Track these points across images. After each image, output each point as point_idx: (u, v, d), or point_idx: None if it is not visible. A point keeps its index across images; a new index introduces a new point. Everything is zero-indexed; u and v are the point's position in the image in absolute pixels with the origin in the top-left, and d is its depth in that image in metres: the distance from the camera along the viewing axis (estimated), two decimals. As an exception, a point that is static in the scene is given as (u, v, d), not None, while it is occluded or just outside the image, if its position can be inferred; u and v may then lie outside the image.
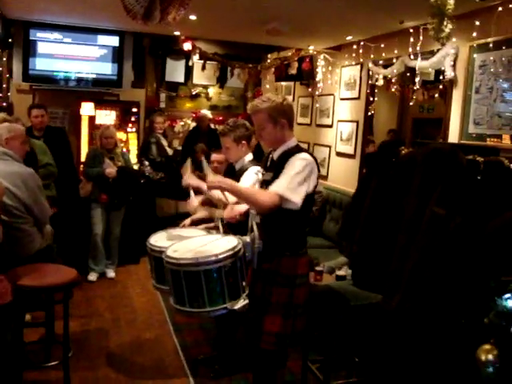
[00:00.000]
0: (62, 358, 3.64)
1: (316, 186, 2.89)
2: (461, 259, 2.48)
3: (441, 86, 5.08)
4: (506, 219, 2.45)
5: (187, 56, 7.37)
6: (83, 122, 7.26)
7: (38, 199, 3.72)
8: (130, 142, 7.47)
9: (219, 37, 7.34)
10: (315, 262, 4.42)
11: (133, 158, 7.01)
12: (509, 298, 2.15)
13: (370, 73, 5.87)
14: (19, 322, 3.49)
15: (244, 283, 2.70)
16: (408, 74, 5.30)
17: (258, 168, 3.23)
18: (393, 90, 5.77)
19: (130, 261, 6.33)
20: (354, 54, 6.08)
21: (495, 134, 4.20)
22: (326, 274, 4.06)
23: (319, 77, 6.91)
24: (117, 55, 7.41)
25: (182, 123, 8.38)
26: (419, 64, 4.92)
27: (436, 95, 5.63)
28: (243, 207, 3.18)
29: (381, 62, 5.66)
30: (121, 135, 7.02)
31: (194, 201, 3.82)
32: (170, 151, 7.35)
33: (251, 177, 3.37)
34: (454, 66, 4.62)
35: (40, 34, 7.03)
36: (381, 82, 5.70)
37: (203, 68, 7.23)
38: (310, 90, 7.39)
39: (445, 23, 3.32)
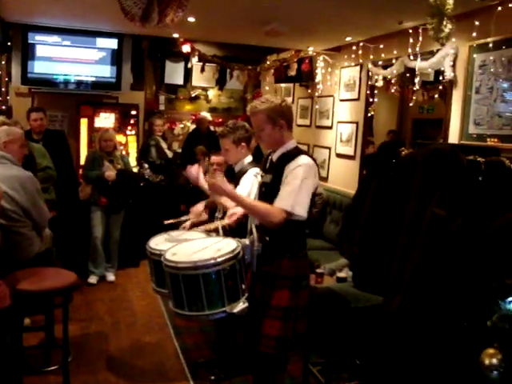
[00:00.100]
0: (61, 362, 3.63)
1: (316, 188, 2.88)
2: (462, 260, 2.46)
3: (440, 87, 5.06)
4: (507, 220, 2.43)
5: (186, 58, 7.35)
6: (82, 125, 7.26)
7: (36, 203, 3.71)
8: (129, 144, 7.46)
9: (218, 39, 7.32)
10: (316, 264, 4.40)
11: (132, 160, 7.01)
12: (513, 301, 2.13)
13: (370, 74, 5.86)
14: (18, 326, 3.47)
15: (243, 286, 2.68)
16: (408, 75, 5.28)
17: (257, 170, 3.21)
18: (392, 90, 5.76)
19: (129, 264, 6.32)
20: (353, 55, 6.06)
21: (496, 134, 4.18)
22: (327, 276, 4.05)
23: (319, 78, 6.89)
24: (116, 58, 7.40)
25: (182, 125, 8.38)
26: (419, 64, 4.90)
27: (436, 96, 5.62)
28: (241, 209, 3.16)
29: (380, 62, 5.64)
30: (120, 138, 7.01)
31: (199, 206, 3.83)
32: (169, 154, 7.34)
33: (250, 179, 3.34)
34: (453, 66, 4.60)
35: (39, 37, 7.03)
36: (380, 83, 5.69)
37: (202, 70, 7.21)
38: (309, 91, 7.38)
39: (444, 23, 3.31)
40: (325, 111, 7.03)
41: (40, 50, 7.06)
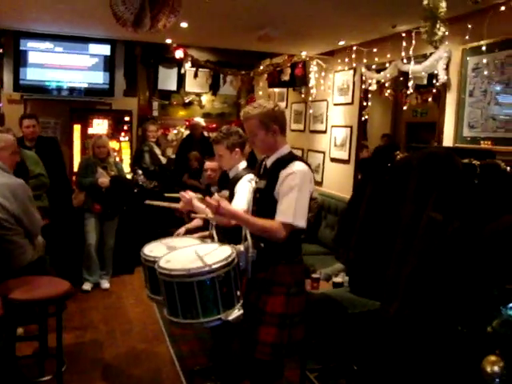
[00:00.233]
0: (55, 372, 3.59)
1: (312, 193, 2.87)
2: (460, 264, 2.44)
3: (434, 90, 5.06)
4: (503, 223, 2.41)
5: (179, 64, 7.34)
6: (75, 132, 7.22)
7: (28, 210, 3.67)
8: (122, 151, 7.43)
9: (211, 44, 7.31)
10: (311, 269, 4.38)
11: (126, 167, 6.98)
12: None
13: (363, 78, 5.86)
14: (11, 336, 3.43)
15: (238, 293, 2.65)
16: (401, 79, 5.29)
17: (252, 176, 3.19)
18: (386, 94, 5.75)
19: (124, 271, 6.28)
20: (346, 59, 6.06)
21: (490, 136, 4.18)
22: (323, 281, 4.02)
23: (312, 82, 6.88)
24: (108, 64, 7.38)
25: (175, 131, 8.37)
26: (412, 68, 4.90)
27: (429, 99, 5.61)
28: None
29: (374, 66, 5.64)
30: (113, 144, 6.98)
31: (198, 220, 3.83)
32: (163, 160, 7.32)
33: (246, 187, 3.28)
34: (447, 69, 4.60)
35: (31, 44, 7.00)
36: (374, 87, 5.69)
37: (195, 76, 7.19)
38: (303, 95, 7.36)
39: (438, 26, 3.30)
40: (319, 115, 7.03)
41: (32, 57, 7.03)
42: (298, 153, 6.55)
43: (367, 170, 3.34)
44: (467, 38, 4.27)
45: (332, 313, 3.52)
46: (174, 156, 7.85)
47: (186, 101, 8.48)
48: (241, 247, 2.79)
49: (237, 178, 3.54)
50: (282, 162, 2.81)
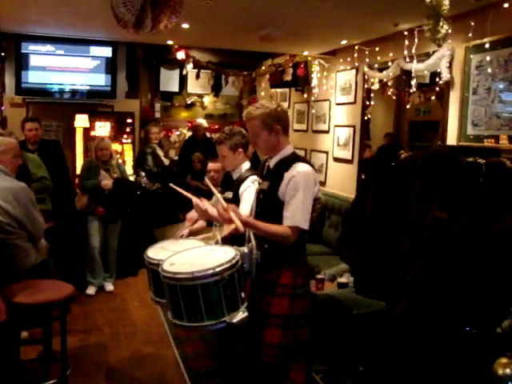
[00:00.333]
0: (60, 375, 3.58)
1: (316, 194, 2.86)
2: (466, 264, 2.42)
3: (437, 88, 5.03)
4: (508, 223, 2.39)
5: (181, 65, 7.34)
6: (78, 135, 7.23)
7: (30, 214, 3.65)
8: (125, 153, 7.44)
9: (213, 45, 7.30)
10: (316, 269, 4.36)
11: (129, 169, 6.98)
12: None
13: (366, 77, 5.84)
14: (15, 340, 3.42)
15: (243, 295, 2.63)
16: (404, 77, 5.26)
17: (255, 177, 3.17)
18: (389, 93, 5.73)
19: (128, 273, 6.26)
20: (348, 59, 6.04)
21: (494, 134, 4.15)
22: (328, 281, 4.00)
23: (314, 82, 6.86)
24: (110, 66, 7.38)
25: (178, 133, 8.36)
26: (415, 66, 4.88)
27: (432, 98, 5.59)
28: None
29: (376, 65, 5.62)
30: (116, 146, 6.99)
31: (193, 213, 3.79)
32: (166, 161, 7.30)
33: (252, 190, 3.24)
34: (450, 67, 4.58)
35: (32, 47, 7.00)
36: (376, 86, 5.67)
37: (197, 77, 7.19)
38: (305, 95, 7.35)
39: (441, 24, 3.28)
40: (321, 115, 7.00)
41: (34, 60, 7.03)
42: (301, 153, 6.52)
43: (371, 169, 3.32)
44: (470, 35, 4.24)
45: (337, 314, 3.50)
46: (176, 158, 7.83)
47: (188, 102, 8.46)
48: (245, 249, 2.77)
49: (241, 180, 3.53)
50: (285, 162, 2.79)
